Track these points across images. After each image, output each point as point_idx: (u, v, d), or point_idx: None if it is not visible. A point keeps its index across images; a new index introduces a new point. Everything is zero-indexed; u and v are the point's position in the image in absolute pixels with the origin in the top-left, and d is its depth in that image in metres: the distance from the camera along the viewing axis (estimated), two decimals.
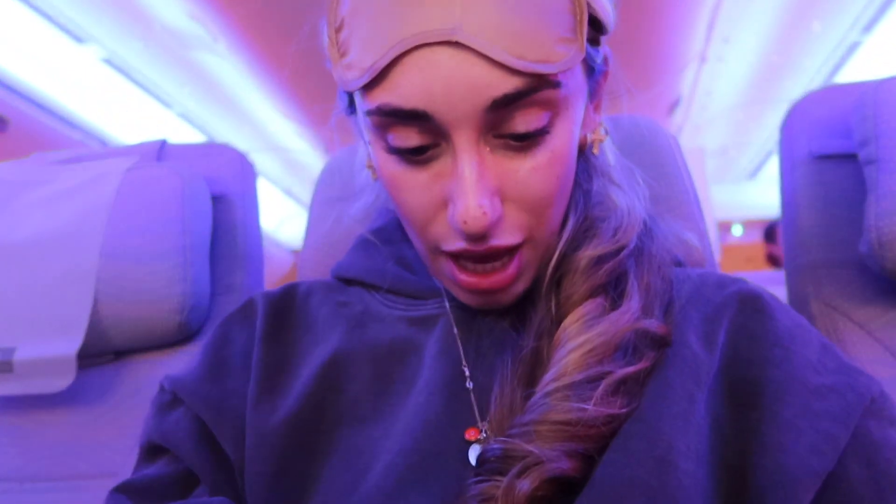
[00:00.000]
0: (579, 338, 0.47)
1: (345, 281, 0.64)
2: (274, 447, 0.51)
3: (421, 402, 0.50)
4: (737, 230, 6.28)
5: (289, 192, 5.39)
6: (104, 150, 0.98)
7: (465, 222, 0.45)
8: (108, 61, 3.27)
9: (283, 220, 5.62)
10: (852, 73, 3.51)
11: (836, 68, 3.56)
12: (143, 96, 3.63)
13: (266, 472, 0.50)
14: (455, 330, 0.55)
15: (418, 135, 0.46)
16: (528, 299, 0.53)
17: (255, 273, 0.94)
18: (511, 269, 0.50)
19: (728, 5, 3.10)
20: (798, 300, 0.79)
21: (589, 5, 0.47)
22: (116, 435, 0.81)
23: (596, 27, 0.50)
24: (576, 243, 0.52)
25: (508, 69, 0.43)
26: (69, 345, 0.77)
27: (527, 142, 0.46)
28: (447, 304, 0.57)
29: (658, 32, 3.30)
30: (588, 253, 0.51)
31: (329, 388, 0.53)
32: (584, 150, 0.56)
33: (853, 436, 0.44)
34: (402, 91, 0.44)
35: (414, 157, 0.47)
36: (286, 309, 0.61)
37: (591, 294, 0.50)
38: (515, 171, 0.47)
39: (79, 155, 0.96)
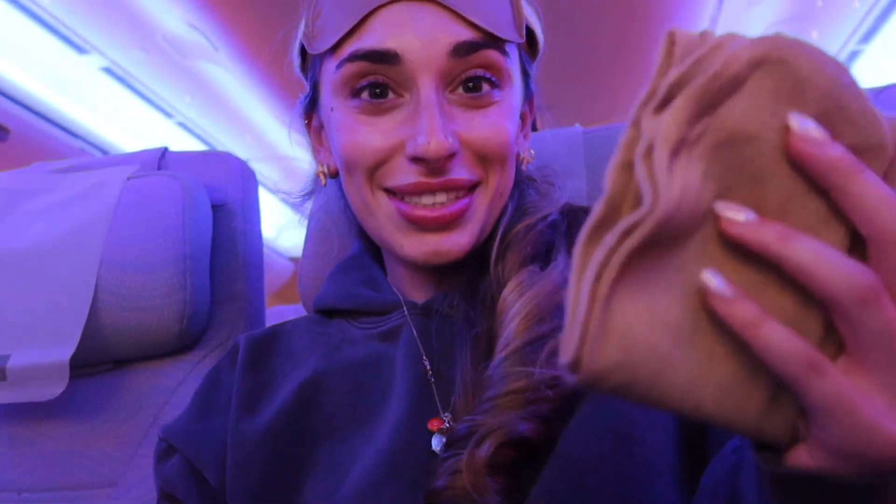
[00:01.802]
0: (516, 304, 0.50)
1: (326, 313, 0.66)
2: (256, 463, 0.53)
3: (394, 407, 0.53)
4: None
5: (289, 201, 5.39)
6: (105, 159, 0.99)
7: (427, 148, 0.49)
8: (109, 70, 3.27)
9: (282, 228, 5.62)
10: None
11: None
12: (143, 105, 3.64)
13: (250, 488, 0.52)
14: (415, 333, 0.57)
15: (385, 81, 0.52)
16: (474, 285, 0.56)
17: (256, 281, 0.93)
18: (462, 203, 0.53)
19: (726, 16, 3.12)
20: None
21: (525, 16, 0.56)
22: (116, 444, 0.80)
23: (530, 42, 0.60)
24: (514, 221, 0.58)
25: (468, 22, 0.51)
26: (62, 351, 0.77)
27: (480, 99, 0.53)
28: (406, 312, 0.60)
29: (657, 41, 3.31)
30: (517, 228, 0.56)
31: (307, 404, 0.56)
32: (517, 162, 0.62)
33: None
34: (376, 36, 0.51)
35: (378, 102, 0.53)
36: (267, 342, 0.64)
37: (524, 263, 0.54)
38: (470, 121, 0.53)
39: (79, 164, 0.96)
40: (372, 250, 0.70)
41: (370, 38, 0.51)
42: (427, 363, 0.55)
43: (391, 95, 0.53)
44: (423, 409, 0.52)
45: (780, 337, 0.25)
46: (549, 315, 0.49)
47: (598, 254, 0.24)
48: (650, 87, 0.27)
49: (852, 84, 0.28)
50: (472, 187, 0.54)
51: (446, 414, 0.51)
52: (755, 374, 0.27)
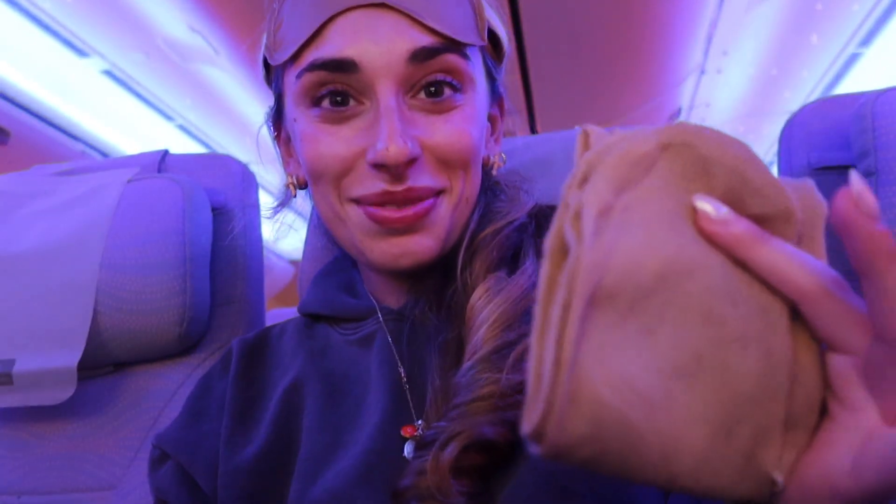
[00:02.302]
0: (484, 311, 0.50)
1: (312, 317, 0.66)
2: (246, 480, 0.54)
3: (369, 414, 0.53)
4: None
5: (289, 204, 5.39)
6: (105, 162, 0.99)
7: (387, 153, 0.49)
8: (110, 73, 3.28)
9: (282, 231, 5.61)
10: (851, 86, 3.52)
11: (835, 80, 3.57)
12: (144, 108, 3.64)
13: (240, 496, 0.53)
14: (389, 339, 0.57)
15: (344, 90, 0.52)
16: (444, 290, 0.56)
17: (256, 284, 0.93)
18: (425, 204, 0.53)
19: (727, 18, 3.12)
20: None
21: (488, 19, 0.56)
22: (116, 447, 0.80)
23: (494, 44, 0.59)
24: (482, 227, 0.57)
25: (427, 28, 0.51)
26: (69, 357, 0.77)
27: (441, 104, 0.53)
28: (381, 318, 0.60)
29: (657, 45, 3.32)
30: (484, 232, 0.56)
31: (292, 409, 0.57)
32: (486, 167, 0.62)
33: None
34: (334, 44, 0.51)
35: (339, 111, 0.52)
36: (259, 348, 0.64)
37: (491, 268, 0.54)
38: (431, 126, 0.53)
39: (80, 166, 0.96)
40: (349, 257, 0.70)
41: (328, 47, 0.51)
42: (401, 369, 0.55)
43: (352, 103, 0.52)
44: (397, 415, 0.52)
45: (788, 250, 0.27)
46: (517, 321, 0.49)
47: (555, 313, 0.24)
48: (572, 172, 0.28)
49: (754, 159, 0.30)
50: (436, 194, 0.54)
51: (419, 421, 0.51)
52: (732, 432, 0.27)
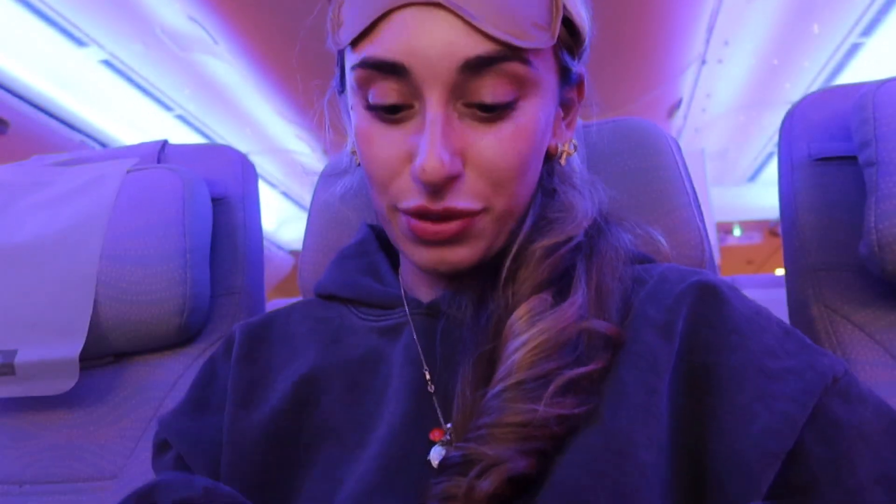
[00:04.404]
0: (524, 335, 0.48)
1: (326, 297, 0.65)
2: (251, 464, 0.53)
3: (390, 411, 0.52)
4: (736, 232, 6.28)
5: (288, 194, 5.40)
6: (104, 152, 0.98)
7: (423, 170, 0.47)
8: (108, 63, 3.27)
9: (282, 221, 5.62)
10: (852, 76, 3.51)
11: (836, 70, 3.56)
12: (143, 98, 3.64)
13: (245, 488, 0.51)
14: (415, 336, 0.56)
15: (395, 92, 0.49)
16: (484, 296, 0.54)
17: (256, 275, 0.94)
18: (458, 223, 0.51)
19: (728, 7, 3.11)
20: (798, 303, 0.79)
21: (564, 7, 0.51)
22: (117, 437, 0.81)
23: (571, 32, 0.53)
24: (532, 238, 0.54)
25: (484, 34, 0.47)
26: (71, 347, 0.77)
27: (493, 114, 0.49)
28: (408, 313, 0.58)
29: (658, 35, 3.30)
30: (536, 246, 0.53)
31: (305, 402, 0.55)
32: (552, 158, 0.59)
33: (813, 415, 0.44)
34: (385, 44, 0.48)
35: (389, 115, 0.50)
36: (264, 330, 0.63)
37: (537, 289, 0.51)
38: (480, 139, 0.50)
39: (79, 157, 0.96)
40: (381, 238, 0.69)
41: (380, 46, 0.48)
42: (427, 369, 0.54)
43: (403, 105, 0.50)
44: (421, 417, 0.51)
45: None
46: (557, 352, 0.47)
47: None
48: None
49: None
50: (475, 213, 0.52)
51: (448, 425, 0.50)
52: None
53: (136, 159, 0.92)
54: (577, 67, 0.56)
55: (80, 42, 3.05)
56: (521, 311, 0.50)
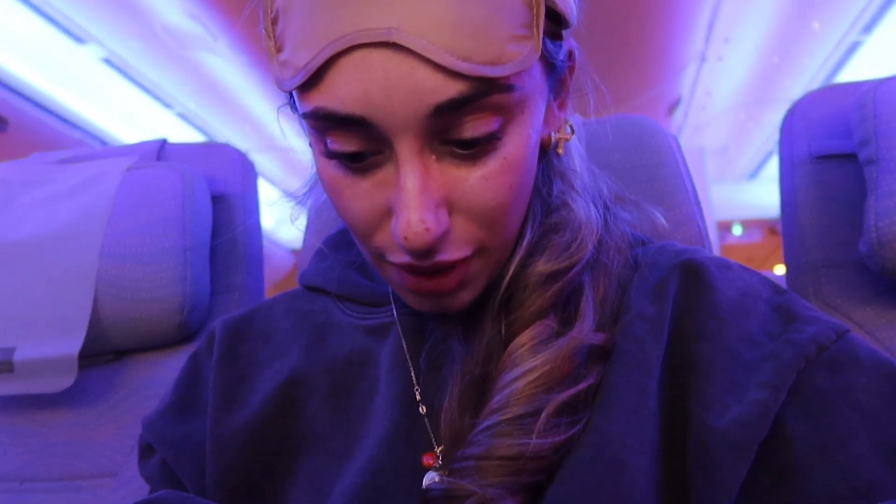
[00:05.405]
0: (525, 365, 0.44)
1: (312, 289, 0.62)
2: (236, 471, 0.51)
3: (378, 422, 0.50)
4: (737, 230, 6.27)
5: (289, 193, 5.38)
6: (104, 150, 0.98)
7: (405, 238, 0.41)
8: (108, 61, 3.27)
9: (282, 220, 5.61)
10: (852, 73, 3.51)
11: (837, 68, 3.56)
12: (143, 96, 3.63)
13: (230, 497, 0.50)
14: (403, 342, 0.53)
15: (359, 140, 0.42)
16: (478, 309, 0.50)
17: (256, 273, 0.94)
18: (454, 276, 0.46)
19: (728, 5, 3.10)
20: None
21: None
22: (116, 435, 0.81)
23: (556, 21, 0.44)
24: (532, 256, 0.49)
25: (453, 72, 0.38)
26: (70, 345, 0.77)
27: (476, 149, 0.42)
28: (395, 313, 0.55)
29: (658, 32, 3.30)
30: (539, 269, 0.48)
31: (289, 406, 0.53)
32: (547, 151, 0.52)
33: (792, 391, 0.41)
34: (337, 95, 0.40)
35: (354, 163, 0.43)
36: (245, 325, 0.60)
37: (542, 315, 0.47)
38: (464, 181, 0.43)
39: (79, 154, 0.96)
40: None
41: (331, 97, 0.40)
42: (417, 388, 0.50)
43: (369, 153, 0.42)
44: (412, 436, 0.49)
45: None
46: (560, 383, 0.43)
47: None
48: None
49: None
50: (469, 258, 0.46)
51: (440, 448, 0.48)
52: None
53: (136, 157, 0.92)
54: (565, 48, 0.48)
55: (79, 39, 3.04)
56: (524, 338, 0.46)
